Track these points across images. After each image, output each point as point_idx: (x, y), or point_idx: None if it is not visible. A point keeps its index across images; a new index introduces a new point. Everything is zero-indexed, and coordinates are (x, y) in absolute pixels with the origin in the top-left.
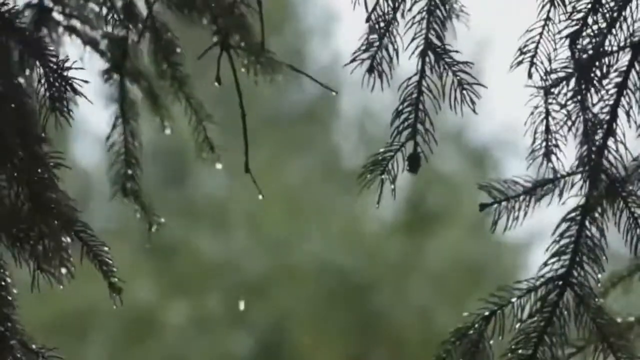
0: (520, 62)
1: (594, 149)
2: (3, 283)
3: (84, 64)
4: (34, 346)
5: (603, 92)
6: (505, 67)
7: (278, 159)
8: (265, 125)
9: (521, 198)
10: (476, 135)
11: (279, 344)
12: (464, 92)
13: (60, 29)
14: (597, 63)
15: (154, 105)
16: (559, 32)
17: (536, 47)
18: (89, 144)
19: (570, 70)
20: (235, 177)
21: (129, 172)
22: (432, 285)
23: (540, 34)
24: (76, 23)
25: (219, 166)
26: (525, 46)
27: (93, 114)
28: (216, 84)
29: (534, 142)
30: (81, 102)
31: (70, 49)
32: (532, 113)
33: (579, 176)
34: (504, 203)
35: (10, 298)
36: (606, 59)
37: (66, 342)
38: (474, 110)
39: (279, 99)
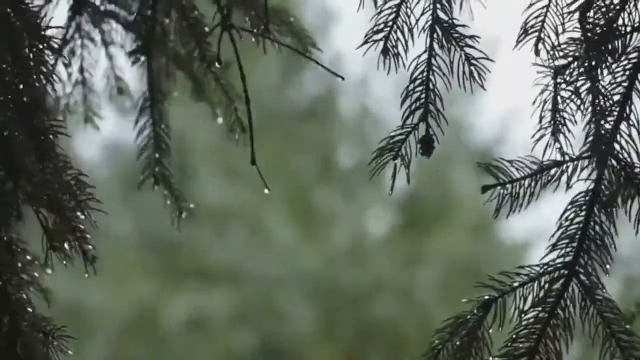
0: (525, 36)
1: (603, 131)
2: (20, 264)
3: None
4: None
5: (616, 69)
6: (505, 67)
7: (277, 159)
8: (265, 125)
9: (526, 182)
10: (476, 135)
11: (279, 344)
12: (472, 67)
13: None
14: (609, 38)
15: (197, 91)
16: (568, 4)
17: (542, 22)
18: (88, 139)
19: (579, 47)
20: (236, 176)
21: (158, 156)
22: (432, 285)
23: (547, 6)
24: (110, 6)
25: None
26: (529, 21)
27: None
28: (216, 64)
29: (541, 120)
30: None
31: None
32: (541, 92)
33: (587, 161)
34: (508, 186)
35: (25, 277)
36: (619, 41)
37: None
38: (482, 86)
39: (278, 98)
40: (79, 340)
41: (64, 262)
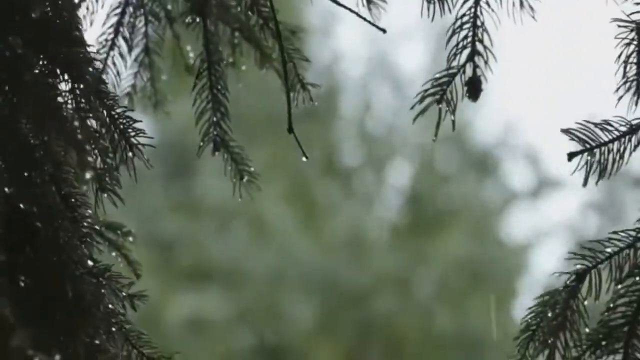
0: None
1: None
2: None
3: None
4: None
5: None
6: (505, 67)
7: (278, 158)
8: (265, 124)
9: (614, 145)
10: (478, 136)
11: (279, 342)
12: None
13: None
14: None
15: (263, 58)
16: None
17: None
18: None
19: None
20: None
21: (216, 119)
22: (433, 286)
23: None
24: None
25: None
26: None
27: None
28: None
29: (624, 75)
30: None
31: None
32: (626, 45)
33: None
34: (596, 150)
35: (84, 229)
36: None
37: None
38: (533, 17)
39: (278, 98)
40: None
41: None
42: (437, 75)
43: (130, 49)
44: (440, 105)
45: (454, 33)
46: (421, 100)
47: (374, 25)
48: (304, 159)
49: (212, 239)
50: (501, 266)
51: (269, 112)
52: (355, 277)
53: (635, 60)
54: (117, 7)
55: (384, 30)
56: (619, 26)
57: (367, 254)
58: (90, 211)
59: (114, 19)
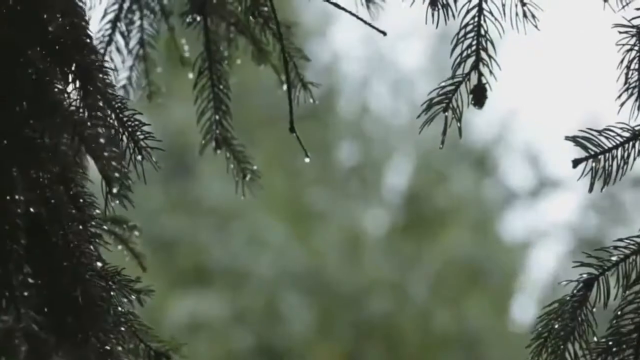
0: None
1: None
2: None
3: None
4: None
5: None
6: (505, 67)
7: (276, 158)
8: (264, 125)
9: (619, 152)
10: (477, 135)
11: (278, 343)
12: (525, 7)
13: None
14: None
15: (260, 54)
16: None
17: None
18: None
19: None
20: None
21: (218, 117)
22: (431, 285)
23: None
24: None
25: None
26: None
27: None
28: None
29: (627, 81)
30: None
31: None
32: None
33: None
34: (600, 157)
35: (92, 230)
36: None
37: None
38: (536, 27)
39: (277, 98)
40: None
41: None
42: (443, 84)
43: (127, 44)
44: (446, 114)
45: (458, 42)
46: (427, 109)
47: (374, 27)
48: (306, 159)
49: (212, 239)
50: (500, 266)
51: (269, 112)
52: (353, 277)
53: (637, 67)
54: (114, 3)
55: (384, 33)
56: (620, 32)
57: (365, 254)
58: (98, 211)
59: (111, 15)
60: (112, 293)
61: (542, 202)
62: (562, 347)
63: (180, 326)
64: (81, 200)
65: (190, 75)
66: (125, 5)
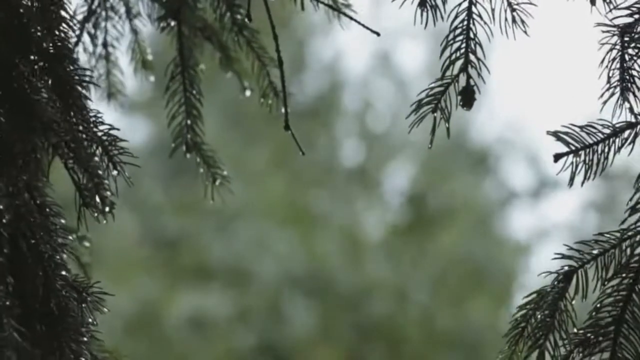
0: None
1: None
2: (53, 227)
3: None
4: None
5: None
6: (505, 67)
7: (278, 158)
8: (265, 125)
9: (599, 147)
10: (477, 135)
11: (279, 343)
12: (514, 13)
13: None
14: None
15: (227, 60)
16: None
17: None
18: None
19: None
20: (237, 176)
21: (189, 122)
22: (433, 286)
23: None
24: None
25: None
26: None
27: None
28: (247, 20)
29: (609, 80)
30: None
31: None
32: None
33: None
34: (580, 152)
35: (59, 240)
36: None
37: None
38: (525, 32)
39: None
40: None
41: (97, 218)
42: (432, 85)
43: (95, 45)
44: (435, 114)
45: (447, 45)
46: (417, 110)
47: (367, 28)
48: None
49: (214, 238)
50: (501, 266)
51: (271, 113)
52: (355, 278)
53: (618, 66)
54: (82, 5)
55: (377, 34)
56: (603, 31)
57: (366, 255)
58: (63, 220)
59: (80, 16)
60: (83, 305)
61: (542, 202)
62: (543, 337)
63: (183, 325)
64: (47, 210)
65: (152, 79)
66: (94, 7)
